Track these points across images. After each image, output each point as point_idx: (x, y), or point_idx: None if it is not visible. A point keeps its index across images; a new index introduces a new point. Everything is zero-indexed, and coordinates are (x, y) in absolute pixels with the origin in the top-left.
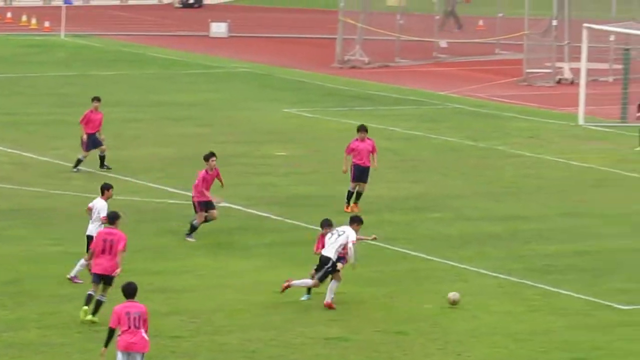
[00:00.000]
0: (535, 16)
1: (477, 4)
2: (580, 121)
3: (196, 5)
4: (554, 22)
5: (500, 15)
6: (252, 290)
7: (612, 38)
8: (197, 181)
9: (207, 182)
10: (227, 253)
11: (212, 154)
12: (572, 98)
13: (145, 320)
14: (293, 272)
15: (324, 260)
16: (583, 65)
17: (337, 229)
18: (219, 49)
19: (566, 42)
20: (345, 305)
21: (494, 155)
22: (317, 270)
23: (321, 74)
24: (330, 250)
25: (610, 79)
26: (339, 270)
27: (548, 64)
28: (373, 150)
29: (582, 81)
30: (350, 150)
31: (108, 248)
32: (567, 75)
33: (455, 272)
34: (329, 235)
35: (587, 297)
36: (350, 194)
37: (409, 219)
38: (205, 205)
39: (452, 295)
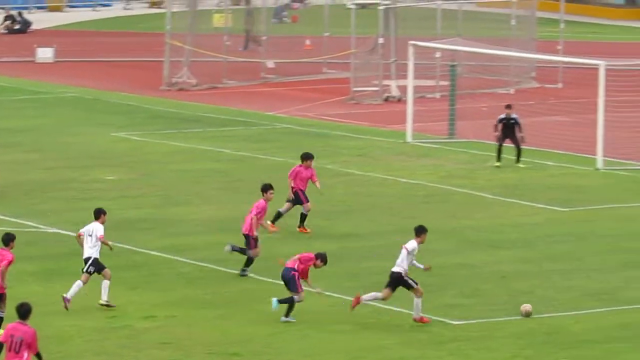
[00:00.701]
0: (362, 35)
1: (303, 23)
2: (409, 138)
3: (22, 31)
4: (380, 40)
5: (327, 34)
6: (85, 316)
7: (438, 55)
8: (253, 213)
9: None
10: (58, 279)
11: (270, 186)
12: (400, 115)
13: (29, 344)
14: (127, 296)
15: (394, 276)
16: (410, 82)
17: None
18: (46, 75)
19: (393, 59)
20: (178, 328)
21: (324, 174)
22: (388, 285)
23: (149, 97)
24: (398, 266)
25: (438, 95)
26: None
27: (375, 82)
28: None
29: (410, 98)
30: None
31: None
32: (395, 92)
33: (282, 292)
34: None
35: None
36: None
37: (237, 240)
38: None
39: (525, 308)
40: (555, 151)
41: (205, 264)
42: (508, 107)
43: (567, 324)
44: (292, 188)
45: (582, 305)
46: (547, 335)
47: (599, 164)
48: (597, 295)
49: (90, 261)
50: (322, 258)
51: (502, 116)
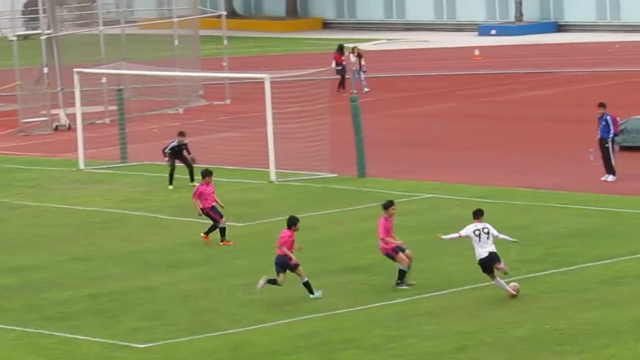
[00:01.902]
0: (26, 66)
1: None
2: (81, 165)
3: None
4: (45, 70)
5: None
6: None
7: (104, 80)
8: (380, 231)
9: (387, 229)
10: None
11: (392, 202)
12: (71, 143)
13: None
14: None
15: (493, 255)
16: (78, 109)
17: (478, 227)
18: None
19: (59, 88)
20: None
21: None
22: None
23: None
24: (492, 246)
25: (107, 120)
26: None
27: (44, 112)
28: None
29: (79, 126)
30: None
31: None
32: (64, 121)
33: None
34: (478, 237)
35: (104, 340)
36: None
37: None
38: (400, 249)
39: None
40: (228, 167)
41: None
42: (181, 134)
43: (253, 338)
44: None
45: (268, 318)
46: (233, 350)
47: (272, 176)
48: (281, 306)
49: None
50: (290, 221)
51: (175, 143)
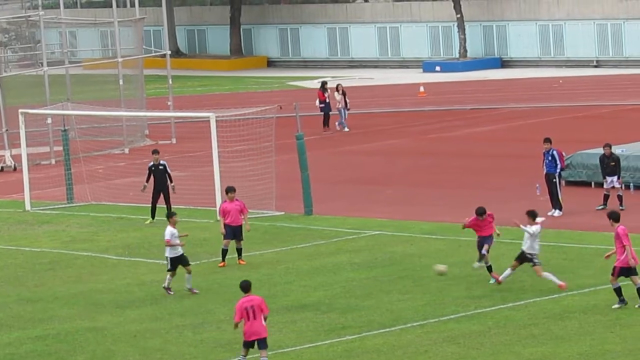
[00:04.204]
0: None
1: None
2: (27, 207)
3: None
4: None
5: None
6: None
7: (49, 120)
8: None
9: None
10: None
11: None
12: (17, 184)
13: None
14: None
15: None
16: (23, 150)
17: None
18: None
19: (4, 129)
20: None
21: None
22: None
23: None
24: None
25: (53, 161)
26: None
27: None
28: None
29: (25, 166)
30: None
31: None
32: (9, 162)
33: None
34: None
35: None
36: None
37: None
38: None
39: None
40: (176, 206)
41: None
42: (155, 152)
43: None
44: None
45: (216, 358)
46: None
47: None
48: (229, 345)
49: None
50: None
51: (151, 163)
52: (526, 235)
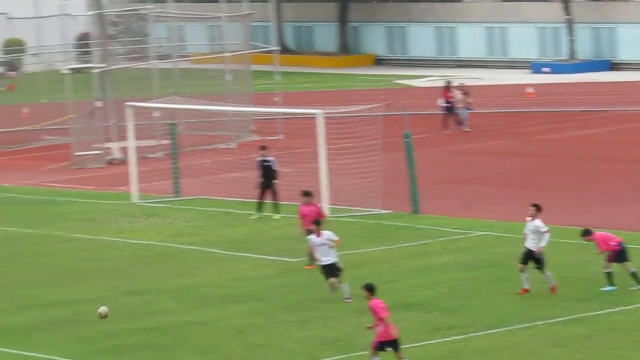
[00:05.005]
0: (79, 99)
1: (20, 91)
2: (135, 199)
3: None
4: (98, 104)
5: (44, 101)
6: None
7: (157, 114)
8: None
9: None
10: None
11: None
12: (124, 177)
13: None
14: None
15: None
16: (131, 143)
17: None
18: None
19: (112, 122)
20: None
21: (52, 241)
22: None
23: None
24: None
25: (160, 154)
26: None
27: (97, 146)
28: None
29: (132, 159)
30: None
31: None
32: (117, 155)
33: None
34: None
35: None
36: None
37: None
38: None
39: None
40: (281, 203)
41: None
42: (263, 148)
43: None
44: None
45: (321, 355)
46: None
47: (326, 212)
48: (335, 343)
49: None
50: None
51: (260, 158)
52: None
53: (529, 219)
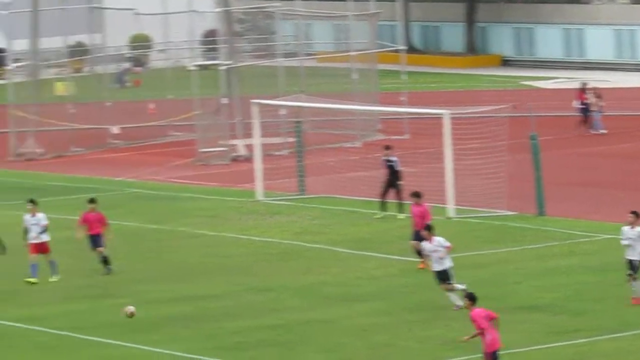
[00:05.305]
0: (205, 96)
1: (146, 87)
2: (259, 196)
3: None
4: (224, 101)
5: (170, 97)
6: None
7: (283, 112)
8: None
9: None
10: None
11: None
12: (248, 174)
13: None
14: None
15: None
16: (256, 140)
17: None
18: None
19: (238, 119)
20: None
21: (176, 237)
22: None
23: None
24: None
25: (285, 152)
26: None
27: (222, 142)
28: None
29: (257, 156)
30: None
31: None
32: (242, 151)
33: (148, 356)
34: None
35: None
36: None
37: (94, 306)
38: None
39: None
40: (404, 202)
41: (62, 332)
42: (387, 147)
43: None
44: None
45: (444, 355)
46: None
47: (450, 212)
48: (456, 343)
49: None
50: None
51: (384, 157)
52: None
53: (627, 227)
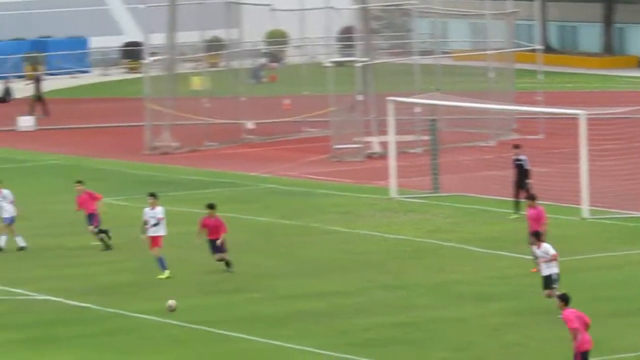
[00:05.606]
0: (340, 92)
1: (281, 82)
2: (393, 194)
3: (3, 100)
4: (360, 97)
5: (305, 93)
6: None
7: (418, 110)
8: None
9: None
10: (50, 346)
11: None
12: (382, 171)
13: None
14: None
15: None
16: (391, 138)
17: None
18: (27, 143)
19: (373, 116)
20: None
21: (310, 233)
22: None
23: (131, 161)
24: None
25: (419, 150)
26: None
27: (356, 139)
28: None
29: (392, 154)
30: None
31: None
32: (376, 149)
33: (279, 351)
34: None
35: None
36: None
37: (227, 300)
38: None
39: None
40: (539, 202)
41: (194, 325)
42: (516, 147)
43: None
44: None
45: (567, 357)
46: None
47: (585, 213)
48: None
49: None
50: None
51: (513, 157)
52: None
53: None
